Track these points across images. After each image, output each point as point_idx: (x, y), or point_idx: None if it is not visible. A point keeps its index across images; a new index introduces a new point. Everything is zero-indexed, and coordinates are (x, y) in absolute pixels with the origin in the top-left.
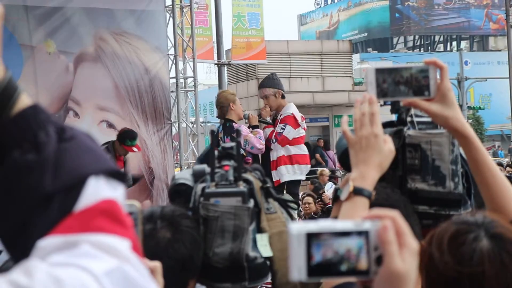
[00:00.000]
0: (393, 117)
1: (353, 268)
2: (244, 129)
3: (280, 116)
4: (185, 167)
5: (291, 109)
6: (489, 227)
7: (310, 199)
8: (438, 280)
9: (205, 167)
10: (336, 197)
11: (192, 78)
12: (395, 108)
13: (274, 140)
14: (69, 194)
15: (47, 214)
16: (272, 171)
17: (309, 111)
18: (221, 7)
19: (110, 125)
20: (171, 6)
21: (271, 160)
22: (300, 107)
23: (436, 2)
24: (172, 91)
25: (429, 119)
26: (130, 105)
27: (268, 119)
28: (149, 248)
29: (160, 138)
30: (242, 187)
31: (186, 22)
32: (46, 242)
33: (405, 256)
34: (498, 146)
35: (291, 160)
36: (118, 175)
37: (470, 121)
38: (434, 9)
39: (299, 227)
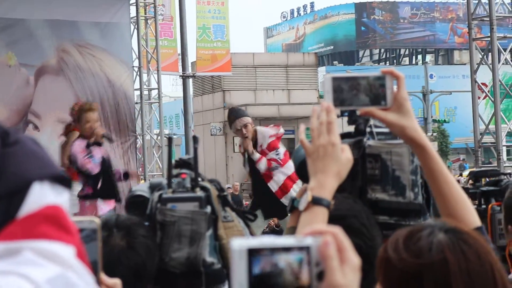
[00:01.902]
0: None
1: (295, 284)
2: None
3: (261, 146)
4: (149, 179)
5: (268, 132)
6: (442, 224)
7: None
8: (399, 280)
9: (162, 180)
10: (292, 207)
11: (157, 90)
12: (352, 120)
13: (275, 167)
14: (12, 199)
15: None
16: (281, 200)
17: (275, 123)
18: (186, 19)
19: None
20: (135, 18)
21: (274, 190)
22: (266, 119)
23: (401, 16)
24: (137, 103)
25: (388, 130)
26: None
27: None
28: (103, 255)
29: (124, 150)
30: (199, 193)
31: (151, 34)
32: None
33: (346, 271)
34: (463, 159)
35: (292, 178)
36: (63, 181)
37: (435, 134)
38: (400, 22)
39: (241, 243)
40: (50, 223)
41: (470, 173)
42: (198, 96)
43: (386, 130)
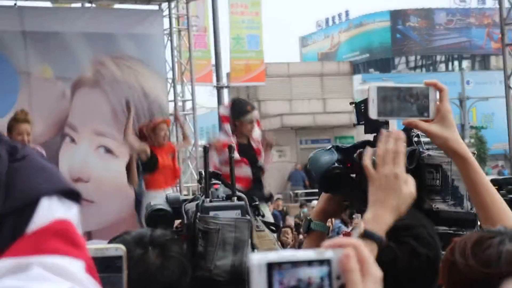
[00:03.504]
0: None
1: None
2: None
3: (258, 143)
4: (185, 191)
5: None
6: (511, 234)
7: (288, 230)
8: (464, 286)
9: (178, 195)
10: (308, 229)
11: (191, 101)
12: (371, 128)
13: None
14: (21, 215)
15: None
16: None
17: (310, 133)
18: (220, 29)
19: (108, 150)
20: (169, 30)
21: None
22: (301, 128)
23: (437, 22)
24: (171, 115)
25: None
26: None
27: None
28: (139, 273)
29: None
30: (237, 202)
31: (184, 45)
32: None
33: (368, 284)
34: (502, 166)
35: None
36: (72, 195)
37: (472, 140)
38: (435, 29)
39: (260, 257)
40: (59, 238)
41: (492, 180)
42: None
43: (428, 139)
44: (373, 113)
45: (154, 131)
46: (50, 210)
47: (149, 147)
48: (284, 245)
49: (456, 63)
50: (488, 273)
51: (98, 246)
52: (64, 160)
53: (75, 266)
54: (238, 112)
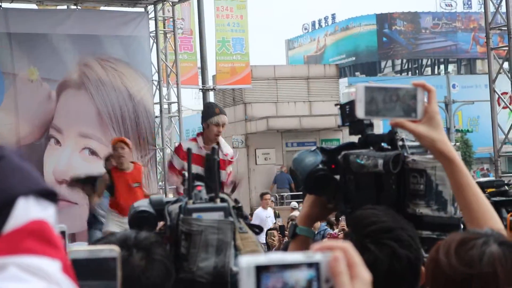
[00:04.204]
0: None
1: None
2: None
3: (226, 155)
4: (170, 193)
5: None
6: (497, 236)
7: (274, 233)
8: (446, 284)
9: (162, 197)
10: (294, 234)
11: (177, 103)
12: (356, 130)
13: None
14: None
15: None
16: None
17: (296, 135)
18: (206, 32)
19: (93, 152)
20: (155, 32)
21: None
22: (287, 131)
23: (423, 26)
24: (157, 117)
25: (417, 143)
26: (113, 131)
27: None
28: (123, 275)
29: (144, 164)
30: (220, 203)
31: (170, 48)
32: None
33: (357, 287)
34: (487, 169)
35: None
36: (49, 195)
37: (458, 143)
38: (421, 33)
39: (248, 260)
40: (35, 238)
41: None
42: None
43: (415, 143)
44: (360, 113)
45: (113, 149)
46: (26, 210)
47: (113, 169)
48: (270, 247)
49: (442, 66)
50: (469, 273)
51: (92, 247)
52: (49, 162)
53: (52, 266)
54: (206, 114)
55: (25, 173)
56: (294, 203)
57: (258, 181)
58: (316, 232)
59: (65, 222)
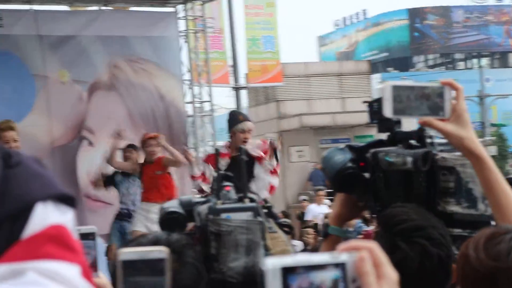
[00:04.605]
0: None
1: None
2: None
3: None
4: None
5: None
6: None
7: (309, 230)
8: (475, 278)
9: (191, 197)
10: (326, 233)
11: (209, 103)
12: (384, 127)
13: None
14: (16, 221)
15: None
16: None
17: (330, 132)
18: (236, 31)
19: None
20: (185, 31)
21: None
22: (320, 128)
23: (455, 20)
24: (189, 116)
25: (445, 141)
26: (144, 132)
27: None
28: None
29: None
30: (249, 204)
31: (200, 47)
32: None
33: (384, 287)
34: None
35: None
36: (67, 200)
37: (493, 138)
38: (453, 27)
39: (274, 262)
40: (54, 243)
41: (507, 180)
42: (252, 107)
43: (444, 141)
44: (388, 112)
45: (143, 146)
46: (44, 216)
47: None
48: (305, 245)
49: (475, 61)
50: (496, 266)
51: (142, 249)
52: (83, 163)
53: (71, 271)
54: (231, 122)
55: (42, 179)
56: (327, 201)
57: (293, 179)
58: (352, 230)
59: (101, 223)
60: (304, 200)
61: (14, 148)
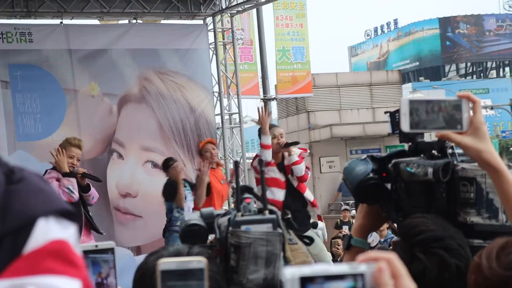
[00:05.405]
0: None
1: None
2: None
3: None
4: (232, 204)
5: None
6: None
7: (339, 241)
8: (486, 286)
9: (212, 209)
10: (349, 245)
11: (238, 114)
12: (407, 137)
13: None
14: (18, 236)
15: None
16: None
17: (360, 143)
18: (266, 42)
19: (155, 165)
20: (214, 43)
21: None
22: (351, 138)
23: (487, 29)
24: (218, 128)
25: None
26: (175, 144)
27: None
28: None
29: None
30: (268, 215)
31: (230, 59)
32: None
33: None
34: None
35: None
36: (69, 215)
37: None
38: (485, 35)
39: (293, 271)
40: (55, 258)
41: None
42: (282, 118)
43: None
44: (405, 126)
45: (200, 153)
46: (46, 231)
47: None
48: (335, 256)
49: (507, 69)
50: (508, 276)
51: (181, 259)
52: (113, 176)
53: (71, 286)
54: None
55: (45, 195)
56: (353, 212)
57: (323, 189)
58: (382, 240)
59: (130, 235)
60: (346, 210)
61: (76, 166)
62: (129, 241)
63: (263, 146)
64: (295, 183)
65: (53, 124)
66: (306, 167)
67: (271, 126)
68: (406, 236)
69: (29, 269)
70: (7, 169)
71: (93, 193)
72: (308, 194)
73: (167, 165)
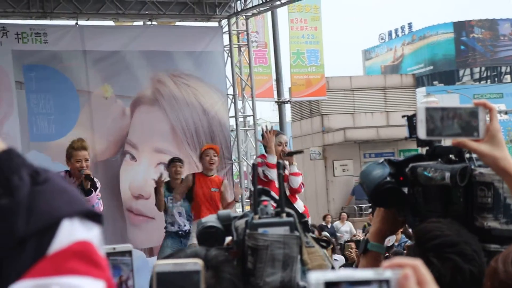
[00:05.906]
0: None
1: None
2: None
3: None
4: (247, 207)
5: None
6: None
7: (352, 245)
8: None
9: (229, 212)
10: (365, 249)
11: (252, 117)
12: (424, 141)
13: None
14: (42, 237)
15: (20, 258)
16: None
17: (374, 146)
18: (280, 45)
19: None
20: (229, 46)
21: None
22: (365, 142)
23: (501, 33)
24: (233, 130)
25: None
26: (188, 146)
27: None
28: None
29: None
30: (286, 218)
31: (244, 61)
32: (18, 287)
33: None
34: None
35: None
36: (94, 216)
37: None
38: (500, 40)
39: (317, 276)
40: (79, 259)
41: None
42: (296, 121)
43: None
44: (421, 134)
45: (201, 156)
46: (71, 232)
47: (197, 174)
48: (347, 260)
49: None
50: None
51: (177, 261)
52: (125, 177)
53: (95, 287)
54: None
55: (69, 195)
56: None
57: (337, 193)
58: (396, 244)
59: (143, 237)
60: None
61: (85, 167)
62: (141, 243)
63: (269, 166)
64: (287, 192)
65: (67, 125)
66: (302, 183)
67: (277, 133)
68: (420, 240)
69: (53, 270)
70: (32, 170)
71: (94, 200)
72: (299, 205)
73: (168, 164)
